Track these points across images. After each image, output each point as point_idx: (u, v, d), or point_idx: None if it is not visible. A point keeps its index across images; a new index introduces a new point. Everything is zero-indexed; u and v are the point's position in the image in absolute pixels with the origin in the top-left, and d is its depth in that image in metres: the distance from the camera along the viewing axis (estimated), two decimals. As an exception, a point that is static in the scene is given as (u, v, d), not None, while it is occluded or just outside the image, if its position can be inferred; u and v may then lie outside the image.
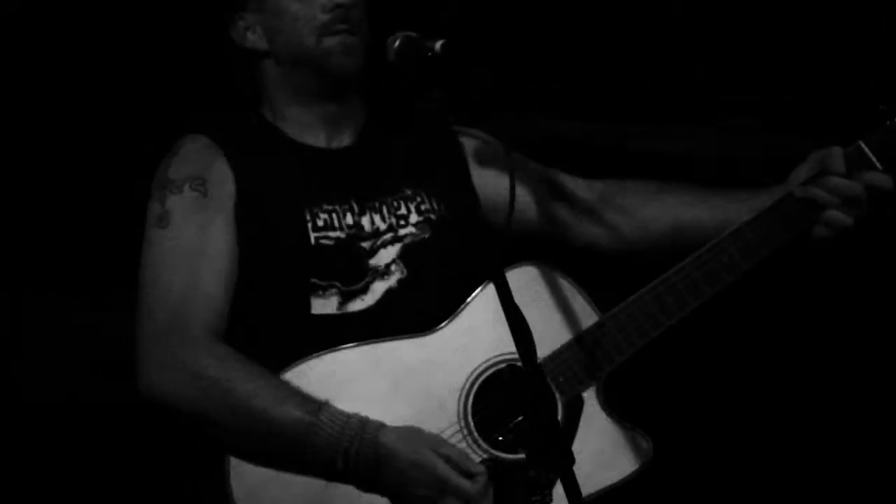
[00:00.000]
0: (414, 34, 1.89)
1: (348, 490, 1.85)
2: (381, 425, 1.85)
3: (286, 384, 1.89)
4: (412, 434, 1.86)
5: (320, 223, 2.03)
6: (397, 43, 1.88)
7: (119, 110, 3.44)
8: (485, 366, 1.95)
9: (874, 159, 2.01)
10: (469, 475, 1.85)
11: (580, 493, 1.60)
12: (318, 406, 1.87)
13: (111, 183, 3.43)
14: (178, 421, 1.96)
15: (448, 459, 1.85)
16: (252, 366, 1.90)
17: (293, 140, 2.11)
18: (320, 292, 2.00)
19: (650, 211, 2.15)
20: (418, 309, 2.02)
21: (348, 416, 1.85)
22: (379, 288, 2.03)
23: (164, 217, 1.98)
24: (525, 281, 1.95)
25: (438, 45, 1.86)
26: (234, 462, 1.84)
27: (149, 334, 1.94)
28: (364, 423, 1.85)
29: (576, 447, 1.77)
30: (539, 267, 2.01)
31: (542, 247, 2.26)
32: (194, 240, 1.97)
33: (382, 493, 1.86)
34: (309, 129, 2.12)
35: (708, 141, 2.23)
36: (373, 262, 2.04)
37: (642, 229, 2.16)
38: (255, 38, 2.14)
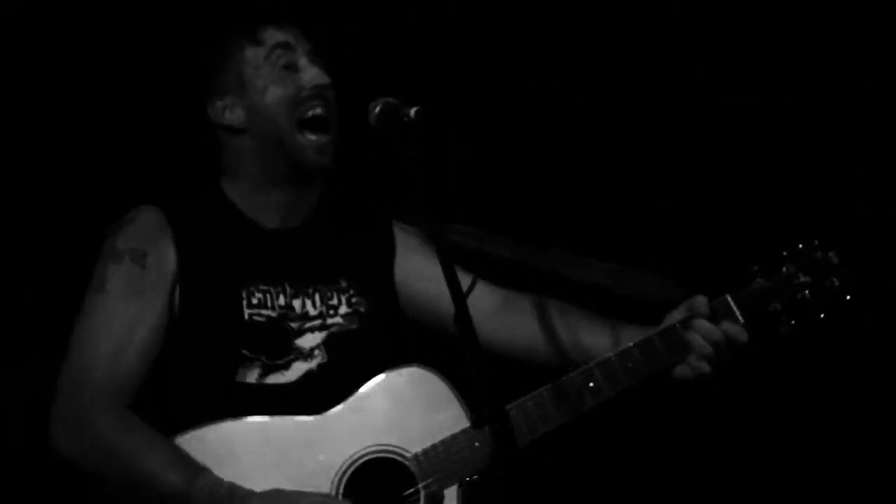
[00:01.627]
0: (392, 100, 2.01)
1: None
2: (250, 493, 2.01)
3: (177, 452, 2.06)
4: (274, 496, 2.01)
5: (255, 301, 2.20)
6: (378, 108, 2.00)
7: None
8: (362, 453, 2.11)
9: (738, 313, 2.16)
10: None
11: None
12: (196, 473, 2.04)
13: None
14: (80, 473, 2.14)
15: None
16: (149, 433, 2.07)
17: (245, 217, 2.25)
18: (247, 363, 2.18)
19: (531, 330, 2.31)
20: (332, 393, 2.17)
21: (220, 484, 2.02)
22: (299, 368, 2.20)
23: (101, 283, 2.14)
24: (411, 380, 2.15)
25: (413, 111, 1.97)
26: None
27: (63, 393, 2.12)
28: (233, 490, 2.01)
29: None
30: (425, 369, 2.18)
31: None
32: (123, 311, 2.12)
33: None
34: (264, 208, 2.26)
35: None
36: (298, 342, 2.22)
37: (523, 348, 2.34)
38: (232, 117, 2.26)
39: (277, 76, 2.24)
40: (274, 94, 2.22)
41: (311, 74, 2.25)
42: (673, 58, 3.87)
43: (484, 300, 2.31)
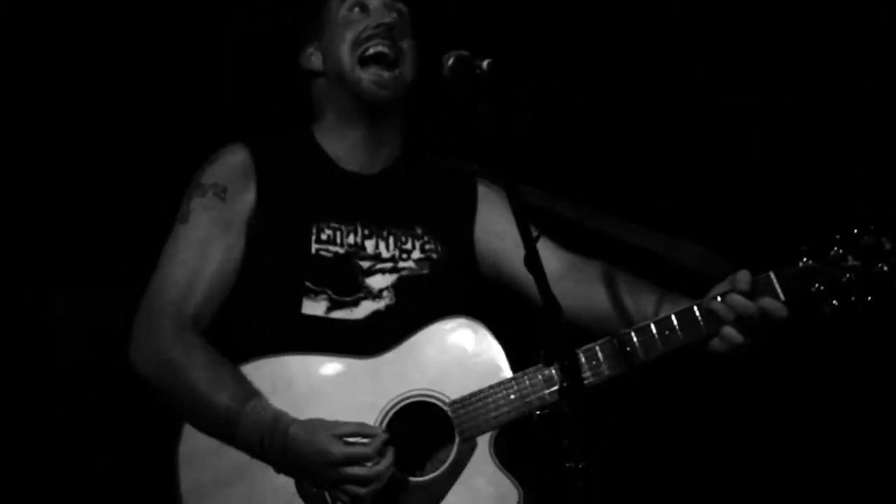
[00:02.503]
0: (465, 53, 2.08)
1: (267, 468, 2.17)
2: (293, 420, 2.13)
3: (234, 375, 2.19)
4: (314, 425, 2.13)
5: (324, 237, 2.30)
6: (451, 60, 2.07)
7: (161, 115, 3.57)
8: (406, 395, 2.22)
9: (779, 290, 2.17)
10: (364, 455, 2.11)
11: None
12: (247, 398, 2.17)
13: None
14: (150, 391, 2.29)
15: (342, 436, 2.11)
16: (211, 355, 2.22)
17: (329, 160, 2.38)
18: (312, 295, 2.29)
19: (593, 294, 2.39)
20: (397, 335, 2.27)
21: (266, 409, 2.15)
22: (368, 307, 2.31)
23: (185, 214, 2.32)
24: (457, 331, 2.25)
25: (485, 63, 2.06)
26: (188, 429, 2.21)
27: (142, 312, 2.29)
28: (278, 417, 2.14)
29: (460, 482, 2.16)
30: (471, 321, 2.28)
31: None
32: (202, 241, 2.28)
33: (292, 475, 2.16)
34: (348, 151, 2.38)
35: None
36: (368, 281, 2.32)
37: (584, 308, 2.40)
38: (315, 60, 2.45)
39: (348, 19, 2.38)
40: (341, 34, 2.35)
41: (378, 15, 2.35)
42: (673, 58, 3.87)
43: (552, 262, 2.38)
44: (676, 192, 3.88)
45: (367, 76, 2.33)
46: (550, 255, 2.39)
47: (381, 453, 2.14)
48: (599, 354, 2.23)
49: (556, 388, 2.15)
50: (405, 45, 2.43)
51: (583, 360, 2.22)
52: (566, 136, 3.97)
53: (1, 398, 3.47)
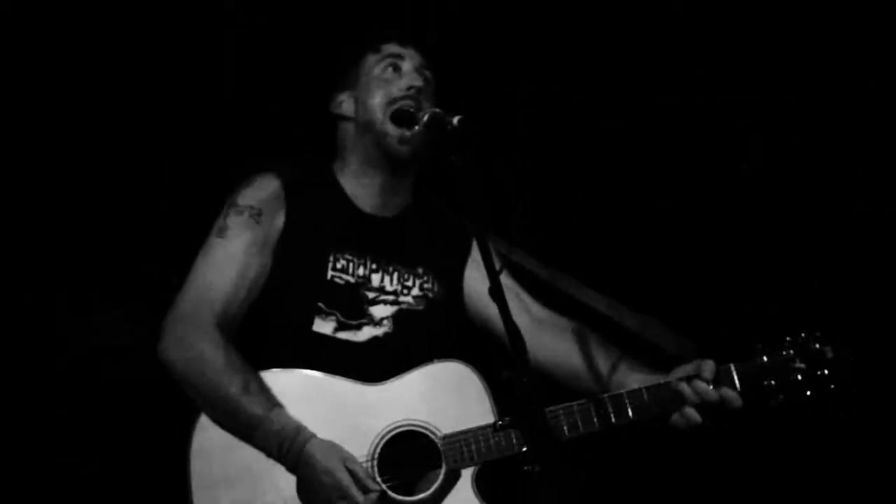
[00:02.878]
0: (438, 110, 2.38)
1: (273, 469, 2.38)
2: (313, 436, 2.38)
3: (259, 382, 2.43)
4: (332, 449, 2.37)
5: (339, 266, 2.58)
6: (426, 117, 2.39)
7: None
8: (401, 423, 2.47)
9: (737, 381, 2.49)
10: (365, 490, 2.36)
11: None
12: (272, 406, 2.40)
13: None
14: (174, 381, 2.49)
15: (353, 473, 2.36)
16: (239, 360, 2.44)
17: (348, 199, 2.66)
18: (323, 315, 2.56)
19: (568, 350, 2.67)
20: (392, 359, 2.54)
21: (290, 421, 2.38)
22: (369, 332, 2.58)
23: (223, 229, 2.56)
24: (453, 373, 2.50)
25: (456, 119, 2.31)
26: (204, 420, 2.41)
27: (176, 312, 2.50)
28: (300, 430, 2.38)
29: None
30: (467, 366, 2.53)
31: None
32: (237, 254, 2.52)
33: (300, 483, 2.38)
34: (365, 193, 2.65)
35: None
36: (371, 309, 2.60)
37: (552, 363, 2.68)
38: (346, 107, 2.71)
39: (384, 78, 2.66)
40: (376, 90, 2.63)
41: (409, 78, 2.64)
42: (673, 58, 3.88)
43: (528, 314, 2.70)
44: (676, 193, 3.88)
45: (393, 131, 2.59)
46: (527, 308, 2.71)
47: (370, 498, 2.38)
48: (576, 414, 2.49)
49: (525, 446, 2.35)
50: (427, 105, 2.67)
51: (561, 416, 2.49)
52: (566, 136, 3.98)
53: (1, 398, 3.48)
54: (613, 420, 2.48)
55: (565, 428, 2.46)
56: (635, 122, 3.97)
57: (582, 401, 2.51)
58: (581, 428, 2.47)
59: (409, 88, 2.63)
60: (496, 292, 2.14)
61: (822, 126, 3.83)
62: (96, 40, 3.55)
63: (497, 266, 2.19)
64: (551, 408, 2.49)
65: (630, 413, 2.48)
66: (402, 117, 2.60)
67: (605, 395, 2.52)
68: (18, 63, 3.52)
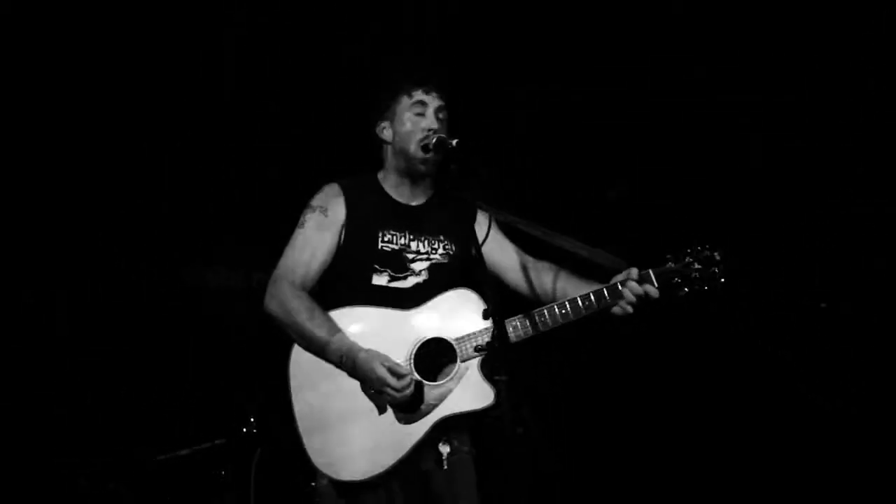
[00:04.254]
0: (444, 136, 3.46)
1: (343, 373, 3.45)
2: (361, 349, 3.45)
3: (326, 317, 3.52)
4: (373, 354, 3.44)
5: (386, 239, 3.67)
6: (433, 141, 3.49)
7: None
8: (430, 335, 3.53)
9: (654, 279, 3.38)
10: (399, 376, 3.37)
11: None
12: (334, 332, 3.48)
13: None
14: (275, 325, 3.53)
15: (389, 369, 3.39)
16: (316, 306, 3.54)
17: (388, 196, 3.73)
18: (378, 272, 3.62)
19: (547, 284, 3.73)
20: (428, 296, 3.62)
21: (345, 340, 3.47)
22: (412, 280, 3.65)
23: (302, 223, 3.62)
24: (461, 296, 3.58)
25: (454, 141, 3.38)
26: (295, 350, 3.48)
27: (274, 276, 3.55)
28: (352, 346, 3.46)
29: (460, 385, 3.48)
30: (470, 290, 3.55)
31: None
32: (312, 238, 3.60)
33: (358, 379, 3.43)
34: (401, 191, 3.71)
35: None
36: (412, 265, 3.68)
37: (539, 291, 3.75)
38: (387, 134, 3.70)
39: (412, 117, 3.67)
40: (407, 126, 3.65)
41: (429, 121, 3.63)
42: (673, 58, 3.89)
43: (515, 259, 3.74)
44: (675, 193, 3.89)
45: (420, 157, 3.57)
46: (514, 254, 3.72)
47: (404, 382, 3.38)
48: (545, 312, 3.46)
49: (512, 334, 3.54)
50: (443, 134, 3.67)
51: (526, 320, 3.47)
52: (566, 136, 3.98)
53: (1, 398, 3.48)
54: (572, 315, 3.44)
55: (540, 321, 3.45)
56: (635, 122, 3.97)
57: (560, 301, 3.51)
58: (558, 319, 3.44)
59: (429, 130, 3.61)
60: (478, 256, 3.27)
61: (822, 126, 3.84)
62: (97, 41, 3.56)
63: (485, 231, 3.56)
64: (535, 310, 3.45)
65: (593, 301, 3.40)
66: (424, 148, 3.59)
67: (565, 300, 3.49)
68: (19, 63, 3.53)
